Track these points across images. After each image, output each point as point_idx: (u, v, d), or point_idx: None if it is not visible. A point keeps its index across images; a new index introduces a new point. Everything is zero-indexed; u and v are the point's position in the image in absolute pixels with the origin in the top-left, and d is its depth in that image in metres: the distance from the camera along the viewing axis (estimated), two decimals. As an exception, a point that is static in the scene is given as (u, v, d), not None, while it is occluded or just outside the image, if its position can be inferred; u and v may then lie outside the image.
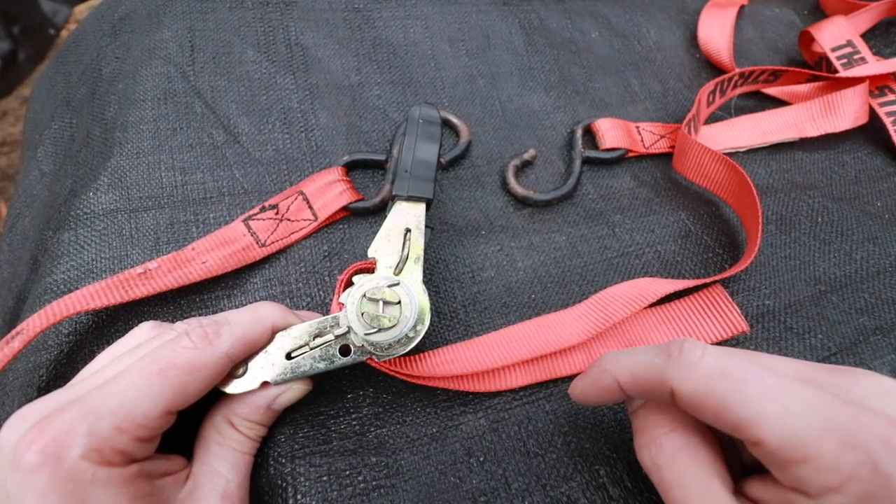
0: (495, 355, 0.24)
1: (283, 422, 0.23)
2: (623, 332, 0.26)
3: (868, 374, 0.17)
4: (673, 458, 0.18)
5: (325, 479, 0.21)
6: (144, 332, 0.21)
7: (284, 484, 0.21)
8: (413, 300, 0.22)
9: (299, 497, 0.21)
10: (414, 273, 0.23)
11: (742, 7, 0.43)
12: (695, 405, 0.17)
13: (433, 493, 0.22)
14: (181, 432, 0.21)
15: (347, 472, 0.22)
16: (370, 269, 0.24)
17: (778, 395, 0.15)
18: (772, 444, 0.15)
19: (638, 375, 0.18)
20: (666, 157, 0.34)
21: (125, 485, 0.17)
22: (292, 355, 0.21)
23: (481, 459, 0.22)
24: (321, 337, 0.22)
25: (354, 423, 0.23)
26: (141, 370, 0.18)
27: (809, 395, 0.15)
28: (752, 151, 0.35)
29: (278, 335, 0.22)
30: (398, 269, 0.23)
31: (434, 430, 0.23)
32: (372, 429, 0.23)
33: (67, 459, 0.16)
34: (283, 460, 0.22)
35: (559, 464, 0.23)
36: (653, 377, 0.17)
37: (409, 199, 0.25)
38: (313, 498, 0.21)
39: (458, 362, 0.23)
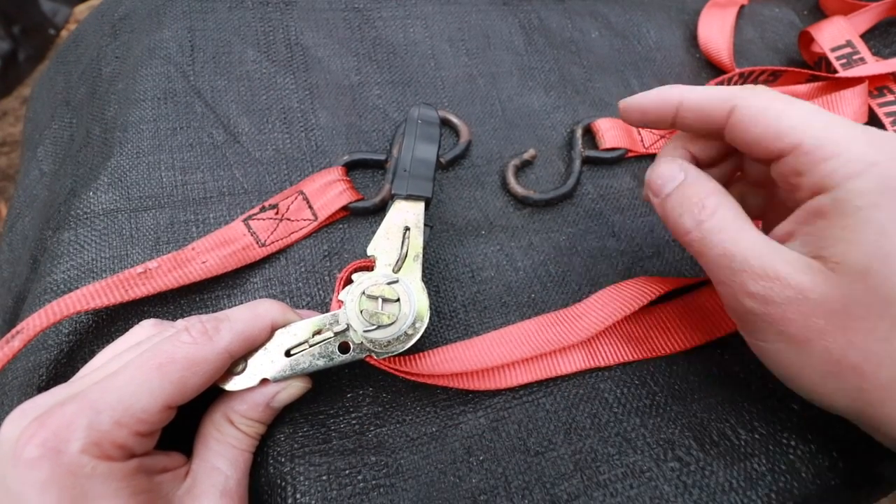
0: (495, 354, 0.24)
1: (282, 421, 0.23)
2: (623, 330, 0.26)
3: None
4: (714, 212, 0.20)
5: (324, 478, 0.22)
6: (145, 330, 0.21)
7: (284, 483, 0.21)
8: (412, 297, 0.22)
9: (299, 496, 0.21)
10: (413, 271, 0.23)
11: (742, 7, 0.43)
12: (753, 119, 0.19)
13: (433, 492, 0.22)
14: (181, 430, 0.21)
15: (347, 472, 0.22)
16: (369, 268, 0.24)
17: (821, 114, 0.18)
18: (808, 144, 0.18)
19: (705, 97, 0.20)
20: (666, 156, 0.34)
21: (125, 479, 0.17)
22: (292, 352, 0.21)
23: (481, 458, 0.22)
24: (320, 334, 0.22)
25: (354, 422, 0.23)
26: (140, 365, 0.18)
27: (850, 121, 0.18)
28: (752, 151, 0.35)
29: (278, 332, 0.22)
30: (397, 267, 0.23)
31: (434, 429, 0.23)
32: (371, 428, 0.23)
33: (67, 453, 0.16)
34: (283, 459, 0.22)
35: (560, 462, 0.23)
36: (720, 99, 0.20)
37: (408, 197, 0.25)
38: (313, 497, 0.21)
39: (457, 360, 0.23)
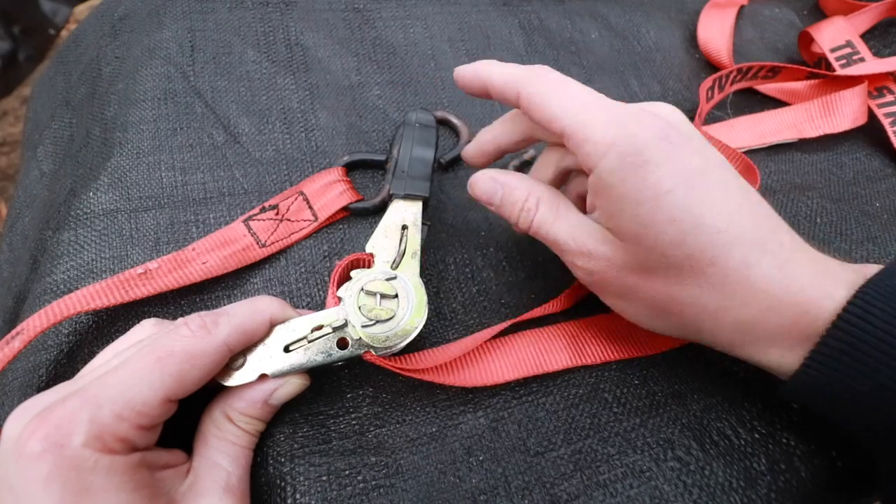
0: (492, 355, 0.24)
1: (282, 421, 0.23)
2: (622, 328, 0.26)
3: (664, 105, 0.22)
4: (536, 210, 0.23)
5: (324, 478, 0.22)
6: (146, 329, 0.21)
7: (284, 483, 0.21)
8: (410, 294, 0.23)
9: (298, 497, 0.21)
10: (411, 268, 0.24)
11: (742, 7, 0.43)
12: (530, 104, 0.21)
13: (433, 492, 0.22)
14: (183, 430, 0.21)
15: (347, 472, 0.22)
16: (364, 261, 0.24)
17: (581, 98, 0.21)
18: (568, 131, 0.20)
19: (504, 81, 0.23)
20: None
21: (127, 473, 0.17)
22: (290, 348, 0.22)
23: (481, 458, 0.23)
24: (319, 330, 0.22)
25: (354, 422, 0.23)
26: (140, 359, 0.18)
27: (608, 104, 0.20)
28: (751, 152, 0.35)
29: (277, 328, 0.22)
30: (395, 264, 0.24)
31: (434, 429, 0.23)
32: (371, 428, 0.23)
33: (69, 447, 0.16)
34: (283, 460, 0.22)
35: (559, 462, 0.23)
36: (511, 83, 0.22)
37: (406, 197, 0.26)
38: (313, 497, 0.21)
39: (452, 356, 0.23)
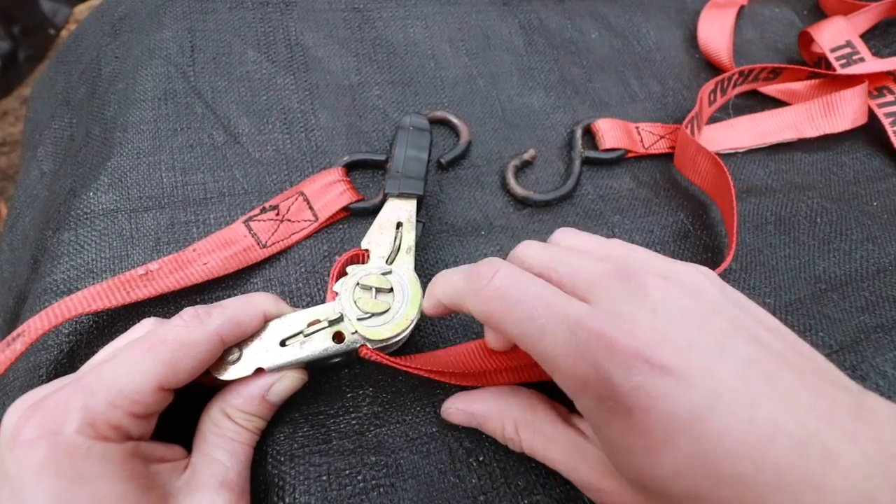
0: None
1: (282, 421, 0.23)
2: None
3: (640, 275, 0.17)
4: (520, 440, 0.21)
5: (324, 478, 0.22)
6: (145, 328, 0.21)
7: (283, 483, 0.21)
8: (405, 287, 0.23)
9: (298, 496, 0.21)
10: (406, 262, 0.24)
11: (742, 7, 0.43)
12: (485, 322, 0.19)
13: (433, 492, 0.22)
14: (185, 433, 0.21)
15: (347, 472, 0.22)
16: (360, 256, 0.25)
17: (539, 316, 0.17)
18: (533, 356, 0.17)
19: (449, 297, 0.20)
20: (665, 157, 0.34)
21: (120, 461, 0.17)
22: (286, 342, 0.22)
23: (481, 458, 0.23)
24: (315, 325, 0.22)
25: (354, 422, 0.23)
26: (132, 348, 0.19)
27: (563, 316, 0.17)
28: (752, 152, 0.35)
29: (273, 322, 0.22)
30: (390, 259, 0.24)
31: (434, 429, 0.23)
32: (371, 428, 0.23)
33: (63, 433, 0.16)
34: (283, 459, 0.22)
35: (559, 463, 0.23)
36: (458, 300, 0.19)
37: (401, 195, 0.26)
38: (313, 497, 0.21)
39: (451, 357, 0.23)
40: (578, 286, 0.18)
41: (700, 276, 0.18)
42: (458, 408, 0.22)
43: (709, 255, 0.30)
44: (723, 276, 0.27)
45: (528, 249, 0.20)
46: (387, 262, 0.24)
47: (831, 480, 0.14)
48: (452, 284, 0.20)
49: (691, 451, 0.15)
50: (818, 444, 0.14)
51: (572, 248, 0.20)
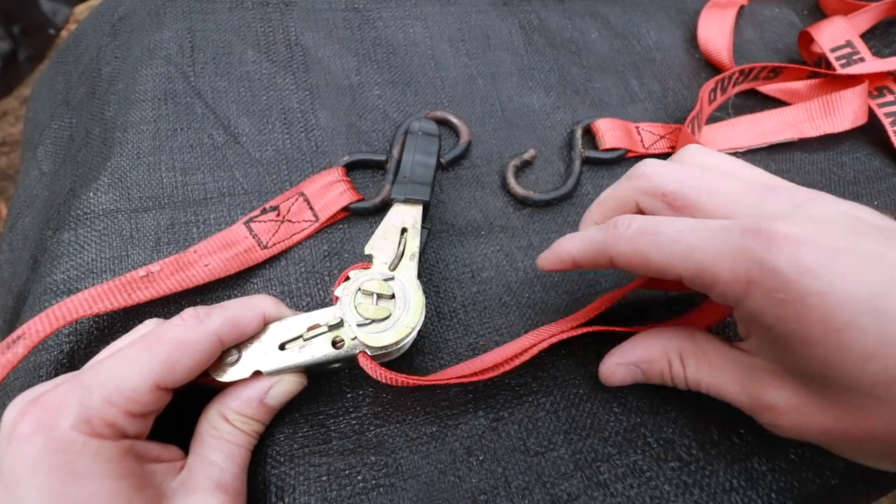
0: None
1: (282, 421, 0.23)
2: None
3: (786, 189, 0.18)
4: (683, 370, 0.20)
5: (324, 478, 0.22)
6: (148, 328, 0.21)
7: (283, 484, 0.21)
8: (407, 294, 0.23)
9: (298, 496, 0.21)
10: (409, 269, 0.24)
11: (742, 7, 0.43)
12: (629, 264, 0.19)
13: (433, 491, 0.22)
14: (182, 434, 0.21)
15: (347, 472, 0.22)
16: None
17: (683, 236, 0.17)
18: (687, 277, 0.17)
19: (586, 250, 0.21)
20: (666, 157, 0.34)
21: (114, 459, 0.17)
22: (286, 346, 0.22)
23: (481, 458, 0.23)
24: (315, 329, 0.22)
25: (354, 422, 0.23)
26: (131, 347, 0.19)
27: (710, 229, 0.17)
28: (752, 152, 0.35)
29: (273, 325, 0.22)
30: (393, 266, 0.24)
31: (434, 428, 0.23)
32: (371, 428, 0.23)
33: (58, 429, 0.16)
34: (282, 459, 0.22)
35: (560, 462, 0.23)
36: (597, 249, 0.20)
37: (407, 201, 0.26)
38: (312, 497, 0.21)
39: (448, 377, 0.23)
40: (719, 205, 0.18)
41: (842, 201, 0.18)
42: (618, 362, 0.22)
43: (709, 254, 0.30)
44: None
45: (659, 168, 0.20)
46: (390, 268, 0.24)
47: None
48: (589, 238, 0.20)
49: (879, 329, 0.14)
50: None
51: (707, 167, 0.20)
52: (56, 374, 0.23)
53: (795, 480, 0.22)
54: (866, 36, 0.42)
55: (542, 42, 0.37)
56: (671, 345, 0.21)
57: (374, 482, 0.22)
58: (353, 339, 0.22)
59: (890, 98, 0.37)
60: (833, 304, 0.14)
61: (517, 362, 0.23)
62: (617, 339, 0.23)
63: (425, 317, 0.23)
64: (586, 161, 0.32)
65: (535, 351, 0.23)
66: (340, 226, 0.28)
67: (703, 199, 0.18)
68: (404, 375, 0.22)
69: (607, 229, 0.20)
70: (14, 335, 0.22)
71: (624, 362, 0.22)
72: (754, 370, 0.18)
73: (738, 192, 0.18)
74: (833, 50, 0.39)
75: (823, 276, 0.15)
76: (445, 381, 0.22)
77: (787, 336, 0.16)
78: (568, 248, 0.22)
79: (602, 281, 0.28)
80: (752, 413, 0.19)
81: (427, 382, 0.22)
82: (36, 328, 0.22)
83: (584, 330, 0.24)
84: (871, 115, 0.36)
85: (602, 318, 0.24)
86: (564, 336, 0.23)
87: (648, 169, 0.20)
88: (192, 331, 0.19)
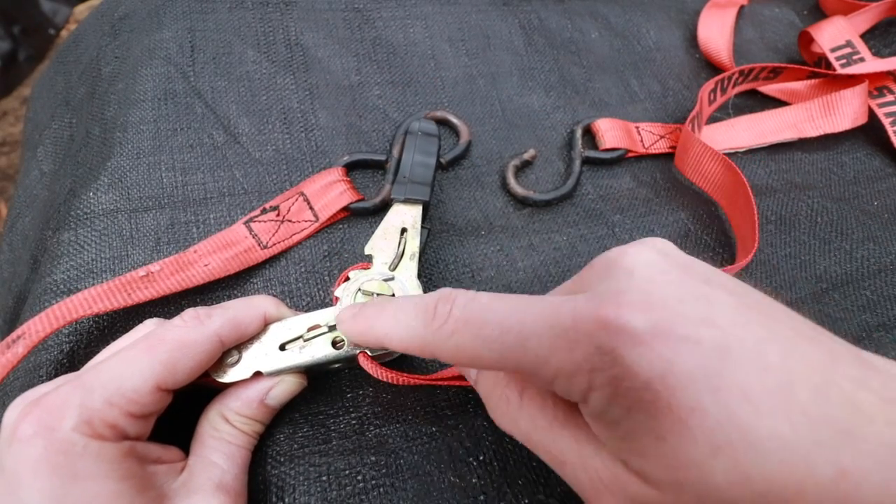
0: None
1: (282, 421, 0.23)
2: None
3: (607, 254, 0.16)
4: (521, 404, 0.17)
5: (324, 478, 0.22)
6: (148, 328, 0.21)
7: (283, 483, 0.21)
8: (407, 294, 0.22)
9: (298, 496, 0.21)
10: (409, 269, 0.24)
11: (742, 7, 0.43)
12: (456, 361, 0.16)
13: (433, 491, 0.22)
14: (182, 435, 0.21)
15: (347, 472, 0.22)
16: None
17: (514, 326, 0.15)
18: (525, 371, 0.15)
19: (402, 341, 0.17)
20: (666, 157, 0.34)
21: (115, 461, 0.17)
22: (286, 347, 0.22)
23: (481, 458, 0.23)
24: (315, 329, 0.22)
25: (354, 422, 0.23)
26: (132, 348, 0.19)
27: (541, 316, 0.15)
28: (752, 152, 0.35)
29: (273, 326, 0.22)
30: (393, 266, 0.24)
31: (434, 428, 0.23)
32: (371, 428, 0.23)
33: (60, 430, 0.16)
34: (282, 459, 0.22)
35: (559, 463, 0.23)
36: (416, 343, 0.17)
37: (407, 201, 0.26)
38: (312, 497, 0.21)
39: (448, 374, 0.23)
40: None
41: (659, 240, 0.16)
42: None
43: (709, 254, 0.30)
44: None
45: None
46: (390, 268, 0.24)
47: (858, 427, 0.12)
48: (405, 325, 0.17)
49: (726, 418, 0.13)
50: (836, 389, 0.13)
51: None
52: (56, 374, 0.23)
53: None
54: (866, 36, 0.42)
55: (542, 42, 0.37)
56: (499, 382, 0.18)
57: (374, 482, 0.22)
58: None
59: (890, 98, 0.37)
60: (676, 389, 0.13)
61: None
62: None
63: None
64: (586, 161, 0.32)
65: None
66: (340, 226, 0.28)
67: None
68: (405, 375, 0.22)
69: (425, 318, 0.16)
70: (14, 335, 0.22)
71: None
72: (596, 453, 0.16)
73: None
74: (833, 50, 0.39)
75: (661, 357, 0.13)
76: (446, 383, 0.22)
77: (634, 433, 0.14)
78: (378, 330, 0.18)
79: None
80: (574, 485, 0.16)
81: (427, 382, 0.22)
82: (36, 328, 0.22)
83: None
84: (871, 115, 0.36)
85: None
86: None
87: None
88: (193, 332, 0.19)
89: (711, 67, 0.39)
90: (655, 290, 0.14)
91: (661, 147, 0.34)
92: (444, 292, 0.17)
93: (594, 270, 0.16)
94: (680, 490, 0.14)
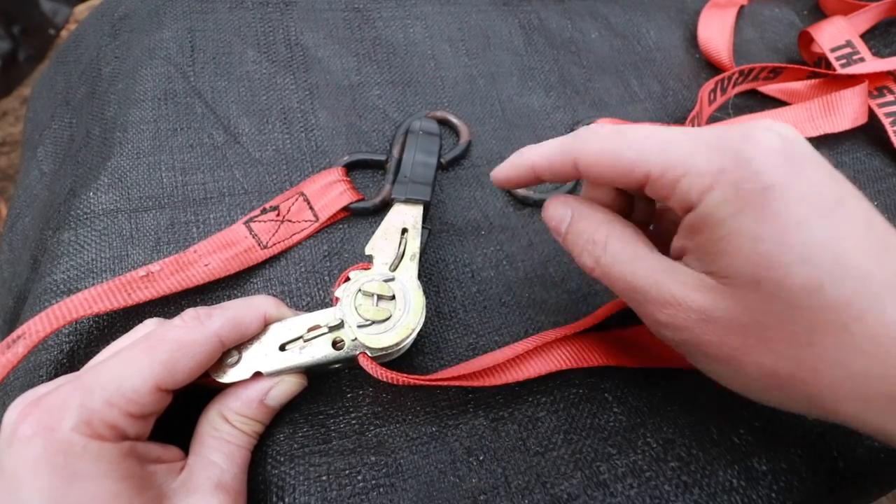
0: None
1: (282, 421, 0.23)
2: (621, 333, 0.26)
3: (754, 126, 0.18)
4: (605, 245, 0.20)
5: (324, 478, 0.22)
6: (147, 328, 0.21)
7: (283, 483, 0.21)
8: (408, 295, 0.23)
9: (298, 496, 0.21)
10: (409, 270, 0.23)
11: (742, 7, 0.43)
12: (597, 164, 0.19)
13: (433, 491, 0.22)
14: (182, 435, 0.21)
15: (347, 472, 0.22)
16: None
17: (658, 135, 0.18)
18: (656, 171, 0.17)
19: (550, 155, 0.20)
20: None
21: (115, 461, 0.17)
22: (286, 347, 0.22)
23: (481, 458, 0.23)
24: (315, 330, 0.22)
25: (354, 422, 0.23)
26: (131, 348, 0.19)
27: (684, 132, 0.18)
28: (752, 151, 0.35)
29: (273, 326, 0.22)
30: (394, 266, 0.23)
31: (434, 428, 0.23)
32: (371, 428, 0.23)
33: (60, 430, 0.16)
34: (282, 459, 0.22)
35: (559, 462, 0.23)
36: (562, 151, 0.20)
37: (407, 201, 0.26)
38: (312, 497, 0.21)
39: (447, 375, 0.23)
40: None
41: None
42: (563, 200, 0.21)
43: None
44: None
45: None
46: (390, 268, 0.24)
47: None
48: (554, 143, 0.20)
49: (825, 237, 0.15)
50: None
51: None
52: (56, 375, 0.23)
53: (795, 480, 0.22)
54: (866, 36, 0.42)
55: (542, 42, 0.37)
56: (613, 222, 0.20)
57: (374, 482, 0.22)
58: (353, 340, 0.22)
59: (890, 98, 0.37)
60: (792, 202, 0.15)
61: (520, 377, 0.23)
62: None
63: (425, 317, 0.23)
64: (586, 161, 0.32)
65: (536, 372, 0.23)
66: (340, 226, 0.28)
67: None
68: (405, 375, 0.22)
69: (575, 134, 0.20)
70: (14, 335, 0.22)
71: (569, 202, 0.21)
72: (676, 271, 0.18)
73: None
74: (833, 50, 0.39)
75: (793, 175, 0.16)
76: (446, 383, 0.22)
77: (738, 232, 0.16)
78: (528, 154, 0.21)
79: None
80: (652, 307, 0.18)
81: (428, 383, 0.22)
82: (36, 328, 0.22)
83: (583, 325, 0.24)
84: (871, 115, 0.36)
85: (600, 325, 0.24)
86: (570, 364, 0.23)
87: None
88: (193, 332, 0.19)
89: (711, 67, 0.39)
90: (793, 143, 0.17)
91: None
92: (588, 126, 0.20)
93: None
94: (756, 287, 0.16)
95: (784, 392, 0.17)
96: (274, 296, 0.25)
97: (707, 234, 0.17)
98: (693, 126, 0.33)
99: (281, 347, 0.22)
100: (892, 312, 0.15)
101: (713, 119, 0.36)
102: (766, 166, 0.16)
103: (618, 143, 0.18)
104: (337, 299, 0.22)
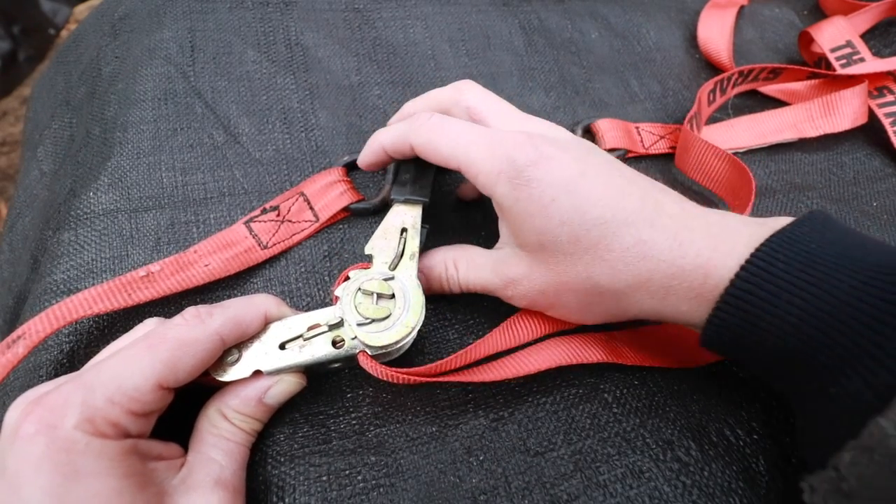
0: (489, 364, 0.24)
1: (282, 421, 0.23)
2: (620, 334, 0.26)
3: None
4: (456, 268, 0.25)
5: (324, 478, 0.22)
6: (148, 327, 0.21)
7: (283, 483, 0.21)
8: (407, 294, 0.23)
9: (298, 497, 0.21)
10: (409, 269, 0.24)
11: (742, 7, 0.43)
12: (423, 151, 0.23)
13: (433, 491, 0.22)
14: (182, 432, 0.21)
15: (347, 472, 0.22)
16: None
17: (466, 135, 0.22)
18: (463, 167, 0.22)
19: (394, 140, 0.25)
20: (665, 157, 0.34)
21: (117, 458, 0.17)
22: (286, 346, 0.22)
23: (481, 458, 0.23)
24: (315, 329, 0.22)
25: (354, 422, 0.23)
26: (133, 346, 0.19)
27: (488, 136, 0.22)
28: (751, 152, 0.35)
29: (273, 325, 0.22)
30: (393, 265, 0.24)
31: (434, 428, 0.23)
32: (371, 428, 0.23)
33: (62, 428, 0.16)
34: (283, 459, 0.22)
35: (559, 462, 0.23)
36: (400, 137, 0.24)
37: (407, 201, 0.26)
38: (313, 497, 0.21)
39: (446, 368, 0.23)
40: (499, 124, 0.24)
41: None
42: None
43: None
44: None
45: (473, 88, 0.25)
46: (390, 267, 0.24)
47: (661, 221, 0.21)
48: (395, 129, 0.25)
49: (570, 204, 0.21)
50: (651, 198, 0.21)
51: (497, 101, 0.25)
52: (56, 375, 0.23)
53: (795, 481, 0.22)
54: (866, 36, 0.42)
55: (542, 42, 0.37)
56: (448, 255, 0.25)
57: (374, 482, 0.22)
58: (353, 338, 0.22)
59: (890, 98, 0.37)
60: (545, 187, 0.21)
61: (521, 373, 0.23)
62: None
63: (425, 316, 0.23)
64: (586, 161, 0.32)
65: (536, 368, 0.23)
66: (341, 226, 0.28)
67: (492, 117, 0.24)
68: (404, 371, 0.22)
69: (410, 122, 0.24)
70: (14, 335, 0.22)
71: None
72: (503, 257, 0.23)
73: (519, 119, 0.24)
74: (833, 50, 0.39)
75: (543, 167, 0.21)
76: (445, 378, 0.22)
77: (519, 214, 0.21)
78: (380, 139, 0.25)
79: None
80: (502, 291, 0.24)
81: (427, 379, 0.22)
82: (36, 328, 0.22)
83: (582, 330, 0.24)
84: (871, 115, 0.36)
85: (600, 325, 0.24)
86: (573, 360, 0.24)
87: (465, 86, 0.25)
88: (194, 330, 0.19)
89: (711, 68, 0.39)
90: (556, 135, 0.24)
91: (661, 147, 0.34)
92: (424, 112, 0.24)
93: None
94: (542, 248, 0.22)
95: (596, 309, 0.23)
96: (274, 295, 0.25)
97: (506, 218, 0.23)
98: (692, 126, 0.33)
99: (281, 346, 0.22)
100: (629, 239, 0.20)
101: (713, 119, 0.36)
102: (526, 164, 0.21)
103: (437, 137, 0.23)
104: (336, 298, 0.23)
